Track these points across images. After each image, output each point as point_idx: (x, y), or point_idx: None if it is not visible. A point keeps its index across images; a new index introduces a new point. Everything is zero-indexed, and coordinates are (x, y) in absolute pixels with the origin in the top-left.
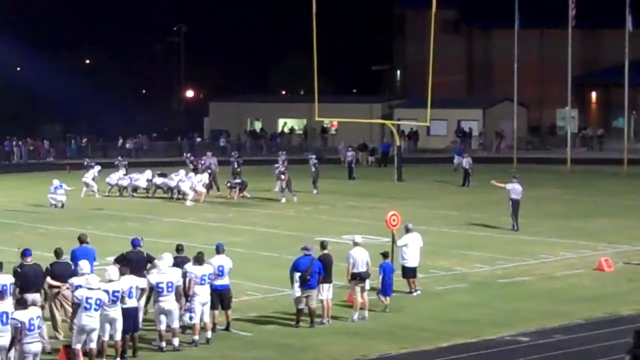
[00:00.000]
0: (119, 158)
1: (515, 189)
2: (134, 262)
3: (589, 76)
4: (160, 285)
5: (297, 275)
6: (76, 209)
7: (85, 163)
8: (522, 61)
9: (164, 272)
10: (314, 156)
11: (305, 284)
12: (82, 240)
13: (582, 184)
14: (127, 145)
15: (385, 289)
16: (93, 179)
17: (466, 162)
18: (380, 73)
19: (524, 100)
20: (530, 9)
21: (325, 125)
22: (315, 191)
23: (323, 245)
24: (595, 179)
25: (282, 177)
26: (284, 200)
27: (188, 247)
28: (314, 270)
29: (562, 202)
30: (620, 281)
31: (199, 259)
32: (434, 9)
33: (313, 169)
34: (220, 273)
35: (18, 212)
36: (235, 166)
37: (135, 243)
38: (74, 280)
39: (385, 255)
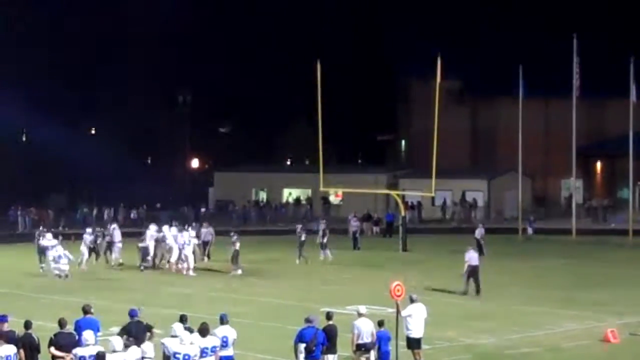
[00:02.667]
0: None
1: (472, 257)
2: (134, 333)
3: (594, 146)
4: (177, 355)
5: (302, 346)
6: (80, 279)
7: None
8: (526, 131)
9: (185, 343)
10: (300, 226)
11: (309, 355)
12: (86, 310)
13: (587, 255)
14: (132, 216)
15: (381, 358)
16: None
17: (478, 232)
18: (385, 143)
19: (528, 170)
20: (535, 79)
21: (327, 196)
22: (297, 261)
23: (329, 316)
24: (601, 249)
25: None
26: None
27: (192, 317)
28: (318, 341)
29: (567, 272)
30: (627, 353)
31: (203, 331)
32: (438, 79)
33: (302, 238)
34: (224, 344)
35: (22, 282)
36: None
37: (132, 314)
38: (78, 351)
39: (380, 323)
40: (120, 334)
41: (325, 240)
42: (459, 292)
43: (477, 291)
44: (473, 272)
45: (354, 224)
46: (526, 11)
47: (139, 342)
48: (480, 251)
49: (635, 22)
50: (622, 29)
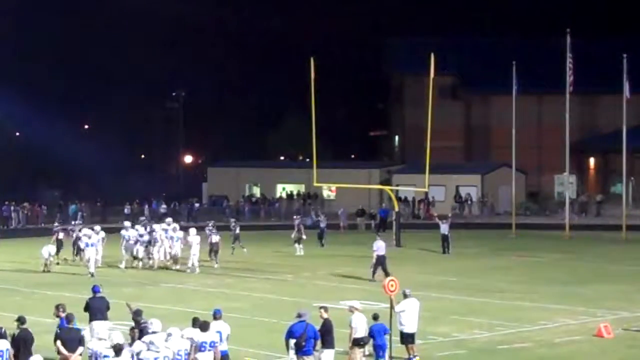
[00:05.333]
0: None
1: (380, 247)
2: (96, 307)
3: (587, 142)
4: (180, 352)
5: (292, 342)
6: (74, 274)
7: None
8: (520, 127)
9: (159, 349)
10: (233, 220)
11: (300, 351)
12: (70, 319)
13: (580, 250)
14: (125, 211)
15: (377, 351)
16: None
17: (446, 227)
18: (378, 138)
19: (522, 166)
20: (528, 75)
21: (318, 191)
22: (232, 252)
23: (327, 310)
24: (594, 244)
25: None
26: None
27: (185, 312)
28: (309, 336)
29: (561, 267)
30: (620, 348)
31: (203, 326)
32: (432, 75)
33: (237, 231)
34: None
35: (16, 277)
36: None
37: (95, 290)
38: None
39: (375, 317)
40: (85, 309)
41: (296, 235)
42: (369, 279)
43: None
44: (381, 261)
45: (321, 220)
46: (520, 7)
47: (100, 315)
48: (445, 248)
49: (628, 18)
50: (615, 25)
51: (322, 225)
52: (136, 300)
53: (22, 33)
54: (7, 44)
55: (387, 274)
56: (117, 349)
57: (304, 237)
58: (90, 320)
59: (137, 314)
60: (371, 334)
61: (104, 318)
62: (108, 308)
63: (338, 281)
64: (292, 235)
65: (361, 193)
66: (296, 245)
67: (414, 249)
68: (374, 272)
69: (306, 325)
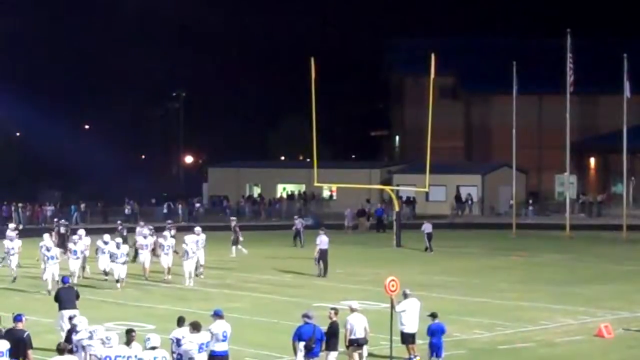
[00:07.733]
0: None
1: (322, 240)
2: (65, 297)
3: (588, 142)
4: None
5: (301, 344)
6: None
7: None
8: (520, 127)
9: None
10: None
11: (309, 353)
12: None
13: (581, 250)
14: (126, 211)
15: (432, 350)
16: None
17: (426, 227)
18: (379, 138)
19: (522, 166)
20: (528, 75)
21: (324, 190)
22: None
23: (337, 313)
24: (595, 244)
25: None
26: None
27: (185, 312)
28: (317, 338)
29: (562, 267)
30: (621, 348)
31: (196, 326)
32: (432, 75)
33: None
34: (224, 338)
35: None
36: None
37: (65, 280)
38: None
39: (434, 315)
40: (55, 298)
41: (235, 237)
42: (315, 274)
43: (324, 273)
44: (322, 255)
45: (297, 222)
46: (520, 7)
47: (69, 304)
48: (428, 247)
49: (628, 18)
50: (615, 25)
51: (299, 226)
52: (136, 301)
53: (22, 33)
54: (7, 44)
55: (325, 271)
56: (61, 350)
57: (240, 238)
58: (60, 309)
59: (70, 319)
60: (428, 332)
61: (74, 307)
62: (77, 297)
63: (338, 281)
64: (232, 237)
65: (360, 193)
66: (233, 247)
67: (414, 249)
68: (317, 266)
69: (314, 327)
